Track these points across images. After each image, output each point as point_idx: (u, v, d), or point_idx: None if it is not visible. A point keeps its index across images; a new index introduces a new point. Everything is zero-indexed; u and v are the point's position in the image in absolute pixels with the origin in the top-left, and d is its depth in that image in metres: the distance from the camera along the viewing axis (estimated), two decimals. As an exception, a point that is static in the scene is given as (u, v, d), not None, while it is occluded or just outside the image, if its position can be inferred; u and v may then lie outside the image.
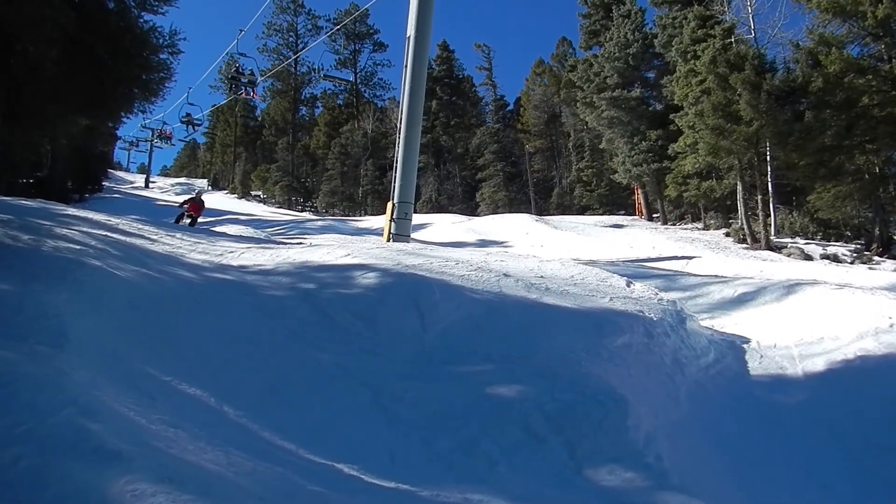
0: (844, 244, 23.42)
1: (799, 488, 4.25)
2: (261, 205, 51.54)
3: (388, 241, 11.92)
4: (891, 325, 6.61)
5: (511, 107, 54.64)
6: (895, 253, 21.51)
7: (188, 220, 19.15)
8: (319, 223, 31.59)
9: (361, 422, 3.84)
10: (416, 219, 19.77)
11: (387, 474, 3.06)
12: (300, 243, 10.97)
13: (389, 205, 12.88)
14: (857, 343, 6.34)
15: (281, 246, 9.43)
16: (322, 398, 4.06)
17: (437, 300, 5.67)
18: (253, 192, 57.60)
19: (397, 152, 13.16)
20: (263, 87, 58.58)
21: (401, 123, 13.20)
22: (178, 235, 9.11)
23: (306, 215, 43.47)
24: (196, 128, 39.64)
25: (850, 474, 4.44)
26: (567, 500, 3.11)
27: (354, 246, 8.46)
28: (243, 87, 28.82)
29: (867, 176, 23.08)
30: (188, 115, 37.82)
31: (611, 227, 28.44)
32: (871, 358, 5.98)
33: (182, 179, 69.16)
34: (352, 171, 50.46)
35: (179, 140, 47.12)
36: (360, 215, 44.78)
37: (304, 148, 57.73)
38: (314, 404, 3.94)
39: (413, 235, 13.74)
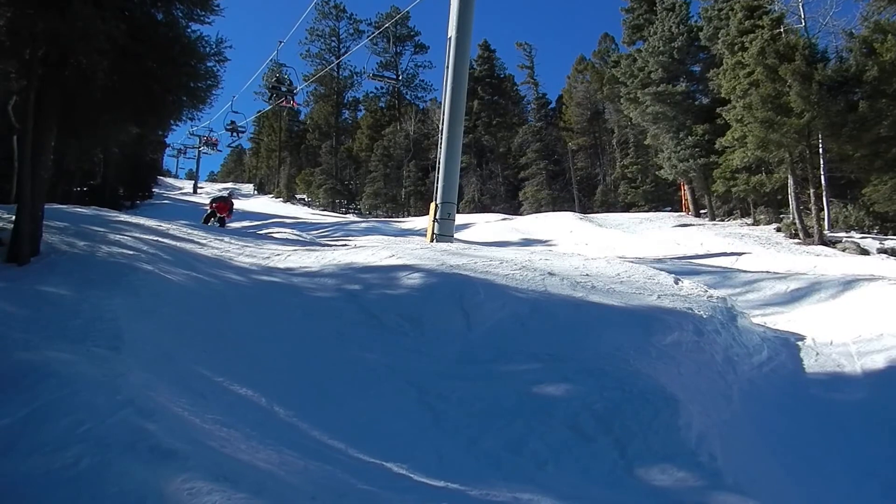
0: (904, 238, 22.57)
1: (860, 487, 4.11)
2: (305, 208, 52.19)
3: (432, 241, 11.97)
4: (955, 321, 6.35)
5: (553, 105, 54.22)
6: (957, 246, 20.64)
7: (216, 221, 19.12)
8: (363, 225, 31.86)
9: (408, 421, 3.86)
10: (459, 219, 19.77)
11: (435, 473, 3.06)
12: (345, 245, 11.07)
13: (432, 205, 12.93)
14: (918, 340, 6.11)
15: (326, 248, 9.54)
16: (369, 397, 4.09)
17: (482, 300, 5.66)
18: (298, 196, 58.40)
19: (439, 153, 13.20)
20: (307, 93, 59.43)
21: (443, 124, 13.24)
22: (227, 239, 9.29)
23: (350, 217, 43.90)
24: (240, 134, 40.53)
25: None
26: (618, 499, 3.06)
27: (398, 247, 8.51)
28: (284, 96, 29.31)
29: (926, 166, 22.22)
30: (233, 122, 38.67)
31: (658, 223, 27.98)
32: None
33: (229, 184, 70.55)
34: (394, 173, 50.71)
35: (225, 147, 48.22)
36: (404, 216, 44.98)
37: (347, 151, 58.31)
38: (362, 403, 3.97)
39: (456, 235, 13.76)
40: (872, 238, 22.42)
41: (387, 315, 5.40)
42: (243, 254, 7.94)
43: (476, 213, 37.78)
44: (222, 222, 19.17)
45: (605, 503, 2.99)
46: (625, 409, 3.97)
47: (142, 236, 6.97)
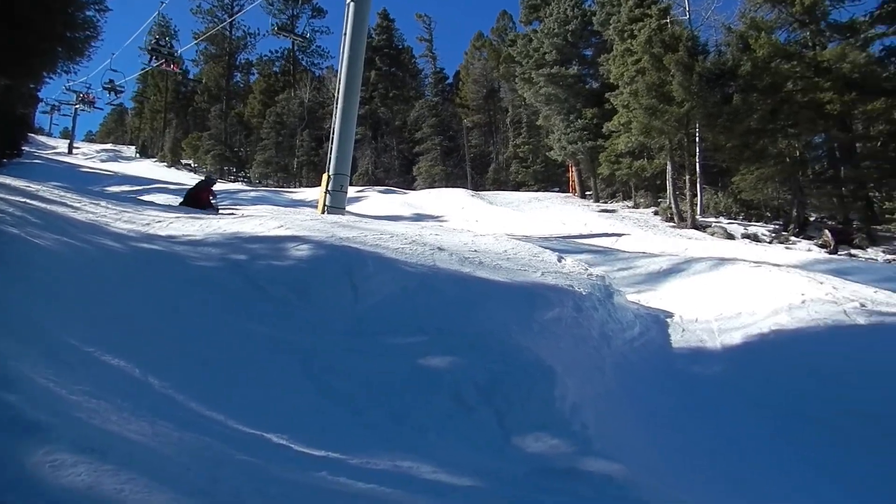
0: (764, 224, 24.49)
1: (716, 452, 4.47)
2: (192, 174, 49.96)
3: (323, 213, 11.81)
4: (802, 302, 6.97)
5: (450, 80, 54.46)
6: (810, 233, 22.61)
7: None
8: (252, 194, 30.94)
9: (292, 393, 3.83)
10: (352, 191, 19.61)
11: (317, 444, 3.07)
12: (232, 214, 10.74)
13: (325, 176, 12.73)
14: (771, 318, 6.67)
15: (211, 216, 9.21)
16: (253, 370, 4.03)
17: (371, 273, 5.67)
18: (184, 161, 55.70)
19: (334, 123, 12.99)
20: (196, 51, 56.61)
21: (338, 93, 13.01)
22: (103, 204, 8.78)
23: (239, 186, 42.43)
24: (119, 94, 38.09)
25: (762, 437, 4.70)
26: (495, 465, 3.20)
27: (288, 217, 8.35)
28: (164, 59, 27.58)
29: (788, 159, 24.11)
30: (111, 81, 36.26)
31: (546, 203, 28.86)
32: (784, 332, 6.31)
33: (108, 146, 66.31)
34: (287, 142, 49.38)
35: (105, 105, 45.19)
36: (295, 187, 43.96)
37: (237, 116, 56.11)
38: (244, 376, 3.91)
39: (348, 208, 13.65)
40: (738, 224, 24.16)
41: (273, 286, 5.31)
42: (121, 220, 7.53)
43: (369, 186, 37.53)
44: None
45: (483, 469, 3.11)
46: (506, 380, 4.12)
47: (8, 197, 6.46)
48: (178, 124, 59.50)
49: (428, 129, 45.85)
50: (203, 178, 16.77)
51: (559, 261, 7.64)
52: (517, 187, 39.84)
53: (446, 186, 36.94)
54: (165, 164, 54.86)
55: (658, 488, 3.26)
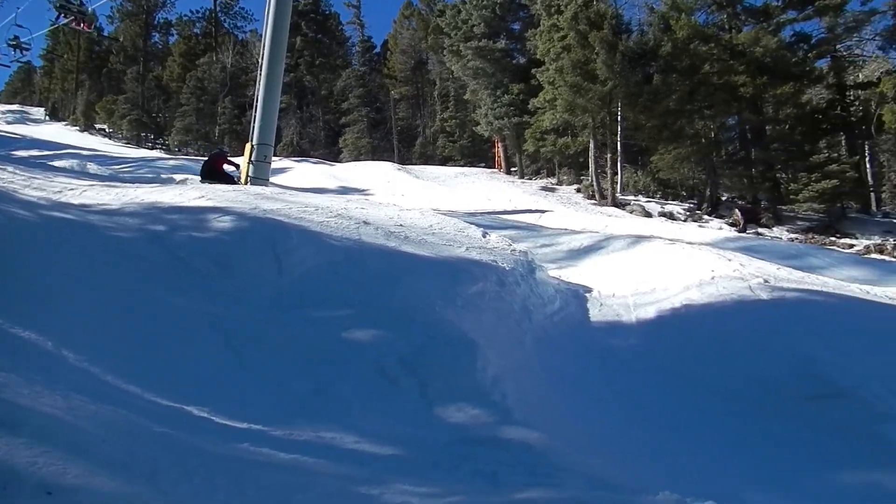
0: (680, 203, 25.46)
1: (630, 419, 4.70)
2: (106, 139, 47.68)
3: (246, 184, 11.54)
4: (712, 278, 7.33)
5: (378, 50, 53.65)
6: (722, 212, 23.68)
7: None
8: (172, 162, 29.78)
9: (213, 365, 3.80)
10: (276, 162, 19.20)
11: (239, 416, 3.07)
12: (149, 183, 10.36)
13: (248, 146, 12.41)
14: (683, 293, 6.99)
15: (128, 185, 8.88)
16: (173, 342, 3.96)
17: (295, 246, 5.62)
18: (97, 126, 52.98)
19: (258, 90, 12.63)
20: (112, 7, 53.67)
21: (262, 59, 12.65)
22: (10, 169, 8.34)
23: (157, 153, 40.79)
24: (25, 52, 35.71)
25: (672, 405, 4.97)
26: (417, 434, 3.28)
27: (209, 188, 8.14)
28: (74, 17, 25.84)
29: (703, 140, 25.06)
30: (16, 37, 33.91)
31: (472, 178, 29.04)
32: (694, 306, 6.63)
33: (15, 107, 62.36)
34: (208, 108, 47.66)
35: (9, 63, 42.31)
36: (217, 155, 42.56)
37: (156, 79, 53.66)
38: (164, 349, 3.84)
39: (272, 179, 13.36)
40: (656, 202, 25.02)
41: (195, 258, 5.20)
42: (30, 186, 7.18)
43: (294, 157, 36.79)
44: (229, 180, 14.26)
45: (405, 439, 3.19)
46: (429, 353, 4.21)
47: None
48: (92, 86, 56.35)
49: (355, 100, 45.15)
50: (214, 151, 15.83)
51: (484, 236, 7.75)
52: (444, 162, 39.86)
53: (373, 159, 36.65)
54: (78, 128, 52.08)
55: (573, 454, 3.42)
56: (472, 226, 8.30)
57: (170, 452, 2.33)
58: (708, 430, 4.72)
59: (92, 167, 17.64)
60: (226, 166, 13.73)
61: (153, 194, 7.13)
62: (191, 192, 7.11)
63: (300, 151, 42.81)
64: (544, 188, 28.41)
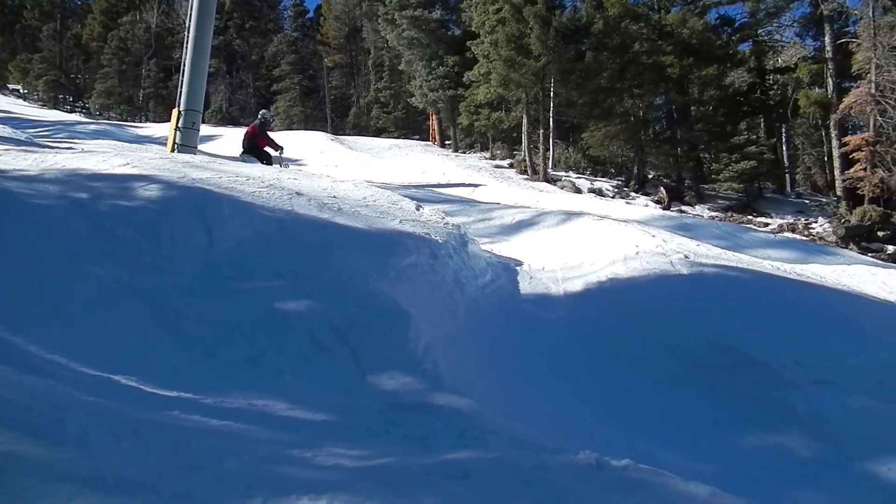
0: (609, 180, 26.12)
1: (556, 387, 4.89)
2: (20, 101, 45.10)
3: (173, 151, 11.17)
4: (637, 253, 7.60)
5: (311, 15, 52.46)
6: (648, 190, 24.44)
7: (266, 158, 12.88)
8: (93, 127, 28.47)
9: (142, 337, 3.74)
10: (205, 130, 18.65)
11: (168, 385, 3.06)
12: (70, 148, 9.92)
13: (175, 112, 11.97)
14: (609, 268, 7.23)
15: (46, 150, 8.49)
16: (99, 314, 3.88)
17: (226, 216, 5.54)
18: (10, 86, 49.99)
19: (185, 53, 12.16)
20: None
21: (190, 20, 12.15)
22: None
23: (76, 117, 38.86)
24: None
25: (596, 374, 5.18)
26: (348, 402, 3.34)
27: (134, 155, 7.88)
28: None
29: (632, 119, 25.71)
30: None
31: (406, 150, 28.94)
32: (619, 280, 6.88)
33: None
34: (132, 71, 45.63)
35: None
36: (141, 122, 40.98)
37: (75, 38, 50.86)
38: (90, 320, 3.76)
39: (201, 147, 12.98)
40: (586, 178, 25.59)
41: (120, 228, 5.05)
42: (-64, 149, 6.78)
43: (223, 125, 35.75)
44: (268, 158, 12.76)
45: (336, 406, 3.24)
46: (361, 323, 4.26)
47: None
48: (4, 43, 52.96)
49: (287, 67, 44.09)
50: (257, 121, 13.04)
51: (417, 209, 7.80)
52: (378, 133, 39.55)
53: (305, 129, 36.01)
54: (-13, 88, 49.08)
55: (501, 420, 3.55)
56: (406, 199, 8.34)
57: (99, 420, 2.32)
58: (628, 397, 4.96)
59: (6, 130, 16.67)
60: (267, 148, 12.65)
61: (74, 160, 6.86)
62: (115, 160, 6.87)
63: (230, 119, 41.67)
64: (478, 162, 28.60)
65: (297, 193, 6.82)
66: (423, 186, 17.78)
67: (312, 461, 2.40)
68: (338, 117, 45.05)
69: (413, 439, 2.86)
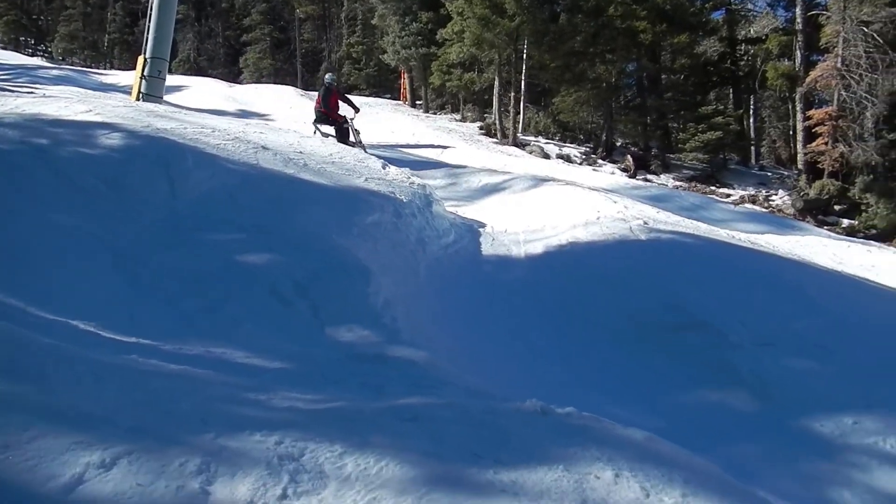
0: (577, 146, 26.22)
1: (509, 345, 5.03)
2: (-24, 43, 43.30)
3: (138, 100, 10.95)
4: (597, 218, 7.77)
5: (283, -37, 50.91)
6: (615, 157, 24.64)
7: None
8: (55, 72, 27.49)
9: (102, 284, 3.77)
10: (171, 79, 18.25)
11: (127, 331, 3.11)
12: (31, 93, 9.68)
13: (140, 59, 11.70)
14: (570, 231, 7.39)
15: (6, 94, 8.29)
16: (59, 262, 3.88)
17: (190, 168, 5.53)
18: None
19: (152, -4, 11.80)
20: None
21: (158, -39, 11.78)
22: None
23: (38, 61, 37.49)
24: None
25: (550, 333, 5.33)
26: (307, 352, 3.44)
27: (97, 102, 7.75)
28: None
29: (604, 84, 25.72)
30: None
31: (376, 109, 28.65)
32: (579, 244, 7.05)
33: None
34: (97, 14, 44.13)
35: None
36: (106, 68, 39.71)
37: (35, -23, 48.93)
38: (49, 267, 3.77)
39: (166, 98, 12.74)
40: (554, 144, 25.66)
41: (82, 176, 5.01)
42: None
43: (191, 75, 34.88)
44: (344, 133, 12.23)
45: (294, 355, 3.34)
46: (323, 277, 4.35)
47: None
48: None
49: (257, 16, 42.96)
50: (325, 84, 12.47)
51: (383, 168, 7.84)
52: (349, 90, 38.73)
53: (275, 83, 35.31)
54: (-60, 27, 47.00)
55: (455, 372, 3.68)
56: (373, 157, 8.38)
57: (57, 360, 2.38)
58: (581, 355, 5.13)
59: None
60: (344, 110, 11.87)
61: (36, 105, 6.73)
62: (77, 106, 6.76)
63: (197, 69, 40.62)
64: (448, 124, 28.47)
65: (264, 147, 6.81)
66: (392, 146, 17.69)
67: (267, 403, 2.50)
68: (308, 72, 44.16)
69: (368, 387, 2.97)
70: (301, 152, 7.25)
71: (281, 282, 4.16)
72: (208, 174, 5.57)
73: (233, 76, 40.34)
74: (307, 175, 6.36)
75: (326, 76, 13.20)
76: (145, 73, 11.46)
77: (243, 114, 20.59)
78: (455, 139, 23.10)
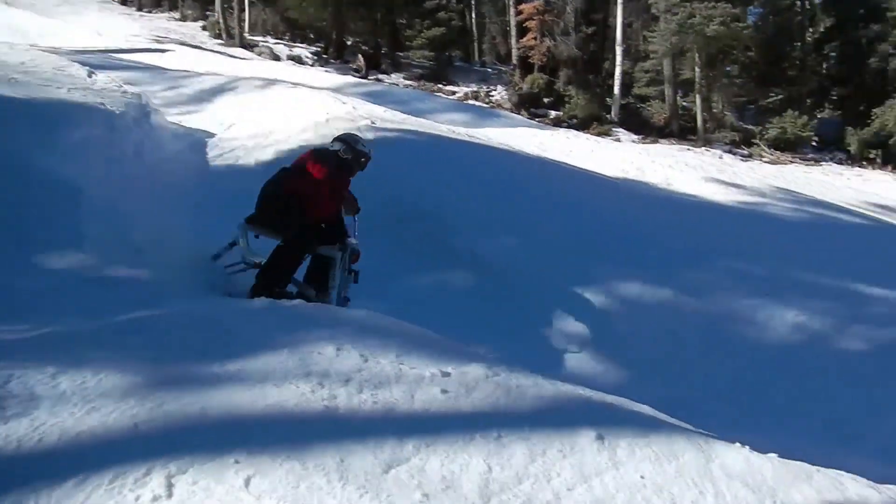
0: (308, 47, 25.62)
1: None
2: None
3: None
4: (327, 120, 7.95)
5: None
6: (347, 58, 24.61)
7: None
8: None
9: None
10: None
11: None
12: None
13: None
14: (300, 135, 7.49)
15: None
16: None
17: None
18: None
19: None
20: None
21: None
22: None
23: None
24: None
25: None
26: (10, 284, 3.17)
27: None
28: None
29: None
30: None
31: (79, 7, 25.21)
32: (310, 146, 7.20)
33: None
34: None
35: None
36: None
37: None
38: None
39: None
40: (285, 45, 24.86)
41: None
42: None
43: None
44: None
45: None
46: (28, 203, 4.05)
47: None
48: None
49: None
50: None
51: (89, 76, 7.20)
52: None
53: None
54: None
55: (182, 284, 3.76)
56: (76, 64, 7.62)
57: None
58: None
59: None
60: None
61: None
62: None
63: None
64: (166, 24, 26.07)
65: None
66: (101, 52, 15.81)
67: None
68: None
69: (87, 310, 2.94)
70: (-19, 60, 6.39)
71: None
72: None
73: None
74: (-5, 88, 5.67)
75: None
76: None
77: None
78: (175, 41, 21.33)
